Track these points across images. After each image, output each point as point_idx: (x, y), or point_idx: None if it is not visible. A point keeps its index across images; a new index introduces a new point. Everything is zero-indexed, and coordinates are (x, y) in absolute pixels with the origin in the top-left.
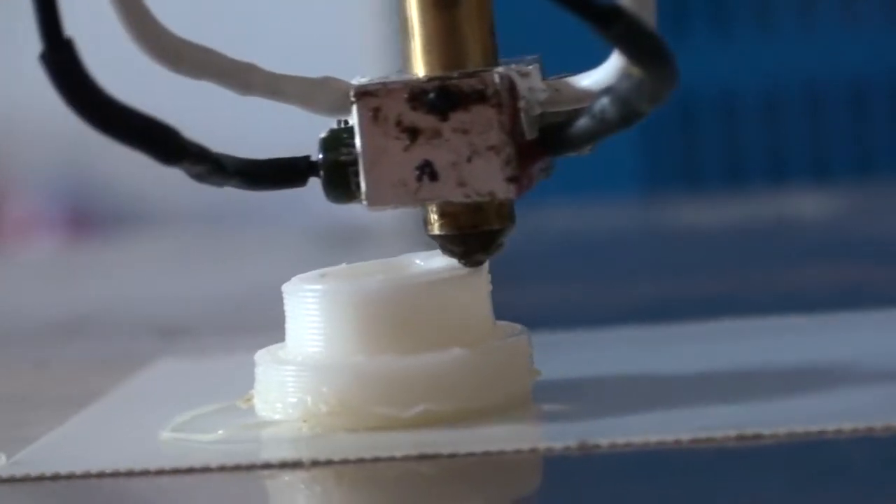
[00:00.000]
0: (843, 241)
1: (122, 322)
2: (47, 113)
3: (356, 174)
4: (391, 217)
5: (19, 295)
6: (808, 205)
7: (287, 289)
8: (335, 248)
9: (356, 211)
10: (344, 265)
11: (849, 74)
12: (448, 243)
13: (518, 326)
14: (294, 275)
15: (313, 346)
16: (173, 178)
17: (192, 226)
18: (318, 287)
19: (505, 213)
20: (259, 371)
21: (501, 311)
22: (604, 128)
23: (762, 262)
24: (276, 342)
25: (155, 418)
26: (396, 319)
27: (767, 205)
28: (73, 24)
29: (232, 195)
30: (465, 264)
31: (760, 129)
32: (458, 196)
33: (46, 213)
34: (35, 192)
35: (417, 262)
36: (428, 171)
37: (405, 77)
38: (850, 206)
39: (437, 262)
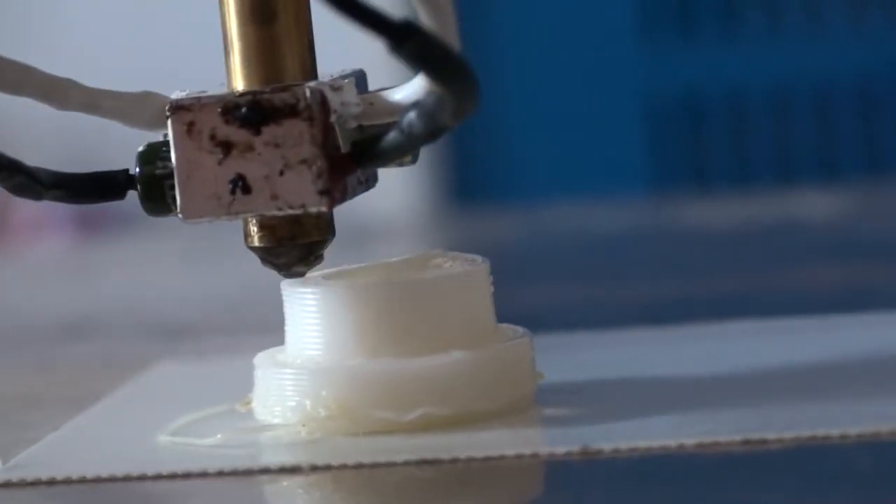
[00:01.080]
0: (850, 242)
1: (127, 323)
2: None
3: (172, 188)
4: (395, 218)
5: (24, 296)
6: (815, 205)
7: (286, 290)
8: (337, 249)
9: (358, 211)
10: (343, 267)
11: (856, 75)
12: (268, 255)
13: (520, 329)
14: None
15: (312, 349)
16: None
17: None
18: (317, 288)
19: (324, 225)
20: (258, 374)
21: (505, 312)
22: (412, 142)
23: (769, 263)
24: (281, 343)
25: (153, 422)
26: (396, 321)
27: (774, 205)
28: None
29: None
30: (286, 276)
31: (768, 130)
32: (270, 209)
33: (52, 214)
34: None
35: (418, 263)
36: (241, 184)
37: (221, 91)
38: (858, 206)
39: (438, 260)
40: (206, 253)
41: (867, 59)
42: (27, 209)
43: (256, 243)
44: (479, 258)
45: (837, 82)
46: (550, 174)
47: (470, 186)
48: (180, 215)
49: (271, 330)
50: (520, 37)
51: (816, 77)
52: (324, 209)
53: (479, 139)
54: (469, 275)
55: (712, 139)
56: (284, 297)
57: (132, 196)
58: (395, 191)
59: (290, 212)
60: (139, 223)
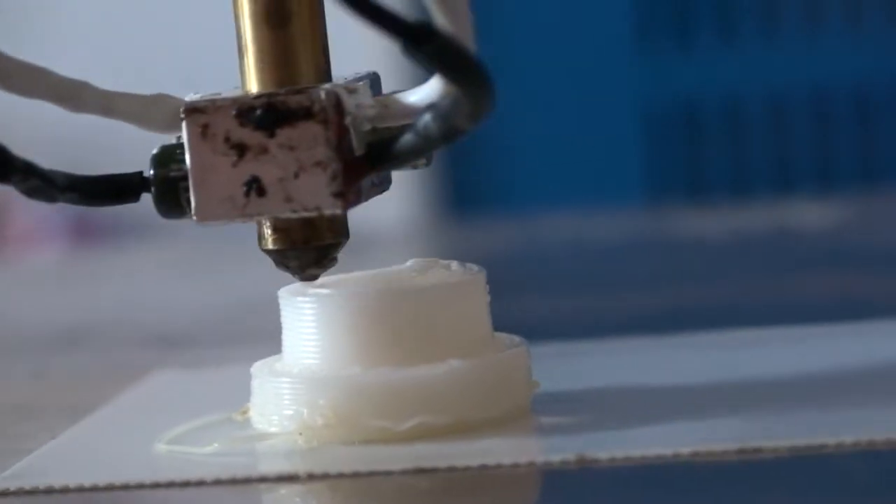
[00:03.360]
0: (847, 251)
1: (123, 332)
2: (49, 121)
3: (186, 190)
4: (390, 228)
5: (20, 305)
6: (812, 214)
7: (283, 299)
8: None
9: (353, 220)
10: (340, 276)
11: (854, 83)
12: (282, 258)
13: (517, 338)
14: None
15: (309, 358)
16: None
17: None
18: (313, 297)
19: (338, 227)
20: (255, 383)
21: (501, 321)
22: (427, 144)
23: (766, 272)
24: (277, 352)
25: (150, 430)
26: (393, 330)
27: (771, 214)
28: None
29: None
30: (300, 279)
31: (765, 138)
32: (285, 211)
33: (48, 223)
34: (37, 203)
35: (414, 269)
36: (255, 186)
37: (236, 94)
38: (855, 215)
39: (434, 270)
40: (201, 263)
41: (864, 68)
42: (23, 218)
43: (270, 246)
44: (475, 267)
45: (834, 91)
46: (547, 183)
47: (466, 196)
48: (194, 217)
49: (267, 340)
50: (516, 45)
51: (813, 85)
52: (338, 211)
53: (475, 148)
54: (466, 284)
55: (709, 148)
56: (282, 307)
57: (128, 205)
58: (391, 200)
59: (305, 214)
60: (134, 233)
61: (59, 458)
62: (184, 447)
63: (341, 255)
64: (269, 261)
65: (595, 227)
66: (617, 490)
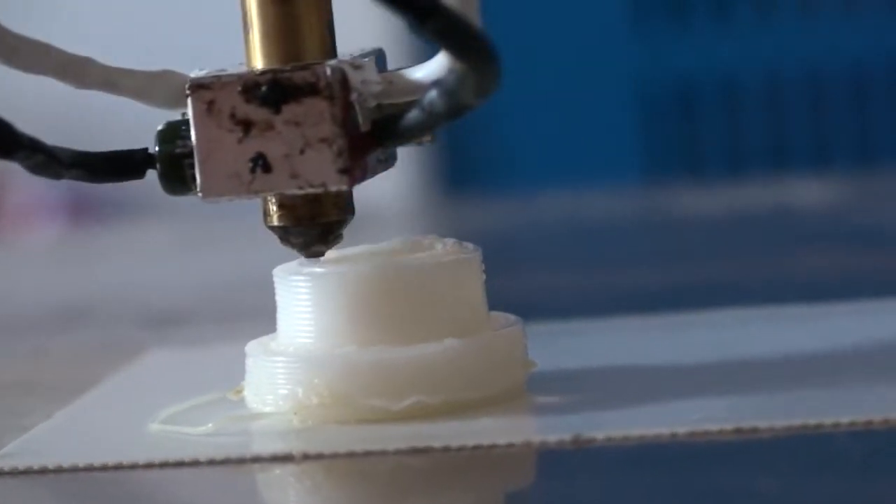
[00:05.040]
0: (843, 230)
1: (119, 311)
2: (46, 100)
3: (192, 166)
4: (386, 206)
5: (17, 283)
6: (808, 193)
7: (278, 278)
8: None
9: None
10: (335, 253)
11: (849, 62)
12: (286, 235)
13: (512, 317)
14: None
15: (304, 337)
16: None
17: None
18: (308, 276)
19: (343, 204)
20: (250, 363)
21: (497, 300)
22: (433, 120)
23: (762, 250)
24: (272, 331)
25: (145, 410)
26: (388, 309)
27: (767, 192)
28: None
29: None
30: (305, 256)
31: (761, 117)
32: (291, 187)
33: (46, 200)
34: (34, 180)
35: (409, 246)
36: (261, 163)
37: (241, 70)
38: (851, 194)
39: (430, 247)
40: (197, 241)
41: (860, 47)
42: (20, 197)
43: (275, 222)
44: (470, 245)
45: (830, 70)
46: (543, 162)
47: (461, 174)
48: (200, 194)
49: (262, 318)
50: (512, 24)
51: (809, 64)
52: (344, 188)
53: (472, 126)
54: (461, 262)
55: (705, 127)
56: (276, 285)
57: (127, 182)
58: (386, 178)
59: (311, 190)
60: (131, 211)
61: (52, 439)
62: (178, 427)
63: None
64: (264, 239)
65: (591, 206)
66: (613, 470)
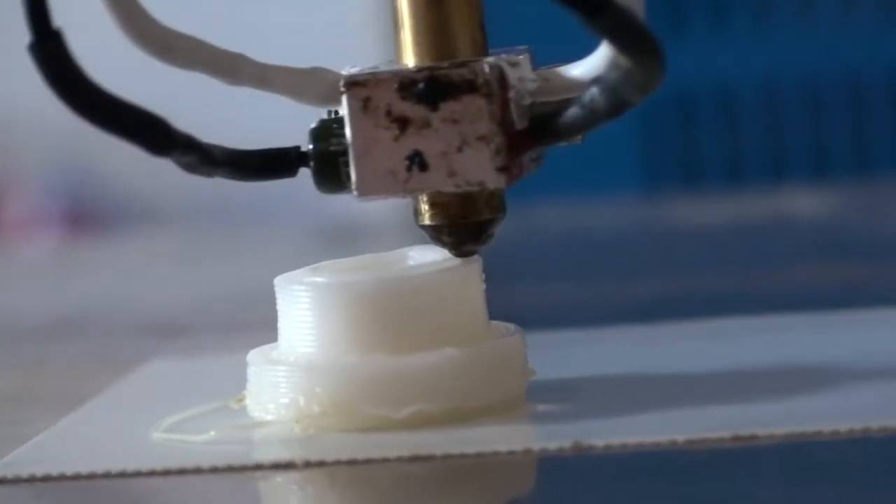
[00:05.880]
0: (841, 239)
1: (119, 321)
2: (46, 110)
3: (346, 164)
4: (385, 213)
5: (17, 293)
6: (806, 202)
7: (279, 287)
8: (330, 244)
9: (350, 207)
10: (335, 261)
11: (847, 71)
12: (438, 234)
13: (512, 326)
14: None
15: (305, 346)
16: (170, 177)
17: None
18: (309, 286)
19: (495, 203)
20: (251, 372)
21: (496, 310)
22: (593, 118)
23: (760, 260)
24: (273, 341)
25: (147, 419)
26: (389, 319)
27: (766, 202)
28: (64, 16)
29: (227, 193)
30: (456, 255)
31: (759, 126)
32: (448, 186)
33: (45, 211)
34: (33, 191)
35: (410, 255)
36: (418, 161)
37: (395, 67)
38: (849, 203)
39: (430, 256)
40: (194, 252)
41: (858, 57)
42: (16, 208)
43: (427, 221)
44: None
45: (829, 79)
46: (541, 172)
47: None
48: (355, 192)
49: (262, 329)
50: (510, 35)
51: (807, 74)
52: (502, 186)
53: None
54: (462, 272)
55: (704, 137)
56: (278, 295)
57: (126, 193)
58: None
59: (468, 189)
60: (127, 223)
61: (55, 447)
62: (180, 435)
63: (336, 242)
64: (267, 248)
65: (590, 216)
66: (613, 477)
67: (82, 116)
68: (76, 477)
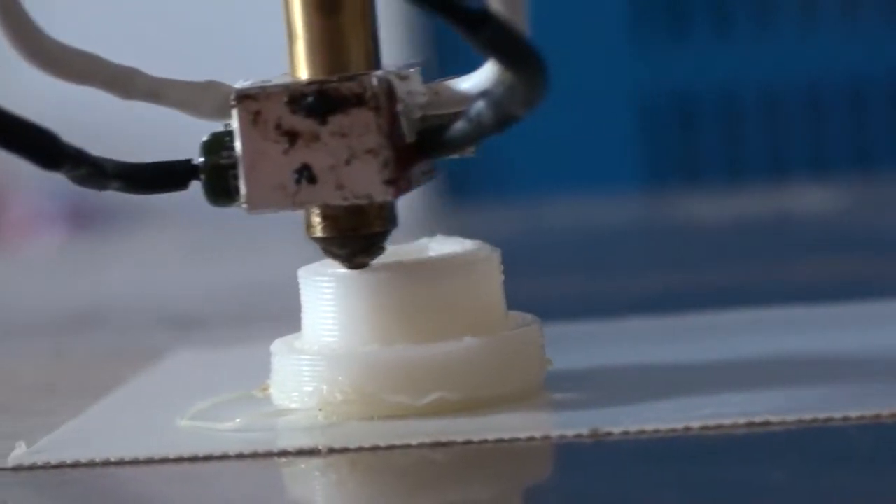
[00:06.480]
0: (842, 236)
1: (136, 315)
2: (47, 110)
3: (236, 177)
4: (404, 207)
5: (29, 289)
6: (807, 200)
7: (302, 278)
8: None
9: None
10: None
11: (848, 73)
12: (330, 246)
13: (529, 316)
14: (304, 264)
15: (328, 336)
16: None
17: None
18: (332, 277)
19: (386, 215)
20: (275, 361)
21: (509, 302)
22: (480, 131)
23: (762, 257)
24: (283, 334)
25: (173, 407)
26: (410, 308)
27: (767, 200)
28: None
29: None
30: (349, 267)
31: (760, 126)
32: (336, 199)
33: (45, 210)
34: (36, 190)
35: (430, 246)
36: (306, 174)
37: (287, 80)
38: (850, 201)
39: (449, 247)
40: (195, 248)
41: (859, 58)
42: (21, 206)
43: (319, 234)
44: (488, 246)
45: (830, 80)
46: (545, 171)
47: (465, 183)
48: (245, 205)
49: (282, 319)
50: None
51: (808, 74)
52: (389, 199)
53: None
54: (482, 262)
55: (705, 138)
56: (301, 285)
57: (120, 194)
58: None
59: (356, 202)
60: (129, 220)
61: (82, 434)
62: (206, 423)
63: None
64: (266, 245)
65: (593, 214)
66: (629, 462)
67: None
68: (104, 463)
